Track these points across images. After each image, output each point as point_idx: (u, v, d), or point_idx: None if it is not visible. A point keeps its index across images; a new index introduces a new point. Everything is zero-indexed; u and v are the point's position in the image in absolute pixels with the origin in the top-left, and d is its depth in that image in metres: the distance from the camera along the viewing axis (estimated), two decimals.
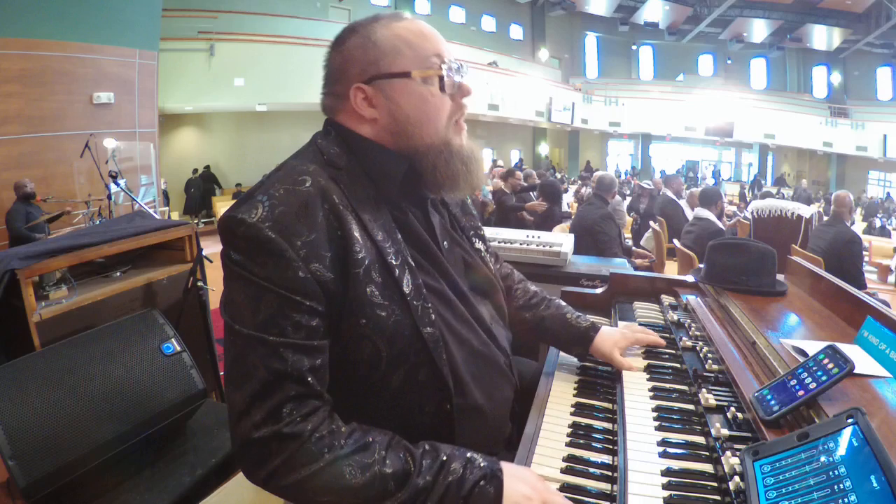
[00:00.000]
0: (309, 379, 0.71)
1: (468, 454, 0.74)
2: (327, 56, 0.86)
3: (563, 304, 1.16)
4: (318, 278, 0.71)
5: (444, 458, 0.72)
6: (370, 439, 0.72)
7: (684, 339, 1.11)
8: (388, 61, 0.80)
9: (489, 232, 2.48)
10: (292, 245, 0.70)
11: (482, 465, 0.73)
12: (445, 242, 0.91)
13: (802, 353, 0.90)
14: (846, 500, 0.53)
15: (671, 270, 4.47)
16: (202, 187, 10.64)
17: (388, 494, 0.68)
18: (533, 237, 2.38)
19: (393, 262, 0.77)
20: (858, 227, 7.38)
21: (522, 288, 1.17)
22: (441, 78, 0.82)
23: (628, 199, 7.67)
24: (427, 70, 0.81)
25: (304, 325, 0.71)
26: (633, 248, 4.71)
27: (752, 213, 4.90)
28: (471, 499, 0.69)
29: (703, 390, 0.89)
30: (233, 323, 0.71)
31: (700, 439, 0.82)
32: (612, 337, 1.08)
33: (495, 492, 0.70)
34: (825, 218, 4.36)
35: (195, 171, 10.76)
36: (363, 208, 0.78)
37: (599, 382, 1.07)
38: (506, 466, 0.74)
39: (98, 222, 4.55)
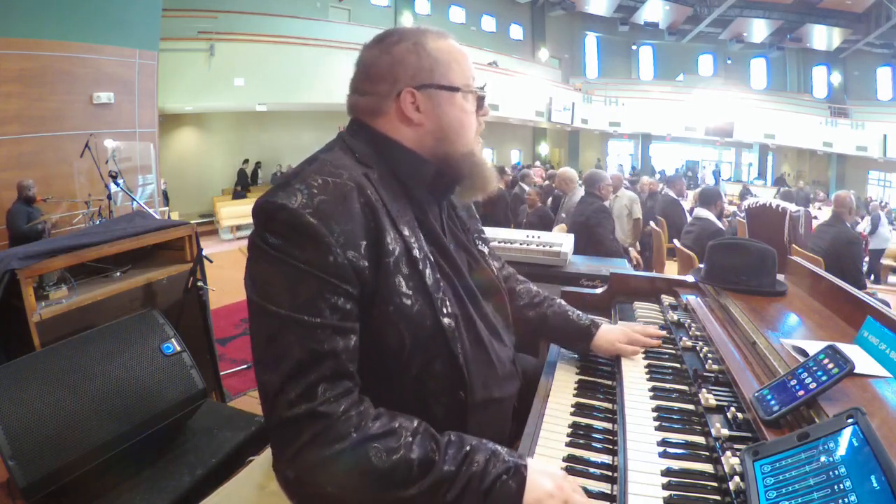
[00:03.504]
0: (343, 359, 0.73)
1: (493, 447, 0.75)
2: (368, 54, 0.89)
3: (564, 303, 1.20)
4: (354, 265, 0.75)
5: (468, 448, 0.73)
6: (397, 424, 0.73)
7: (684, 339, 1.11)
8: (442, 73, 0.87)
9: (488, 232, 2.49)
10: (332, 231, 0.73)
11: (506, 459, 0.74)
12: (452, 245, 0.95)
13: (802, 353, 0.90)
14: (846, 500, 0.53)
15: (671, 270, 4.46)
16: (248, 175, 11.72)
17: (412, 480, 0.69)
18: (533, 237, 2.38)
19: (417, 255, 0.83)
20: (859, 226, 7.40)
21: (525, 288, 1.22)
22: (481, 98, 0.92)
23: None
24: (470, 89, 0.90)
25: (340, 307, 0.74)
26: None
27: (745, 208, 5.17)
28: (492, 492, 0.70)
29: (703, 390, 0.89)
30: (267, 304, 0.73)
31: (700, 439, 0.82)
32: (613, 333, 1.14)
33: (517, 487, 0.71)
34: (807, 214, 4.54)
35: (245, 161, 11.68)
36: (392, 205, 0.83)
37: (599, 382, 1.07)
38: (531, 462, 0.75)
39: (98, 222, 4.55)
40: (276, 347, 0.72)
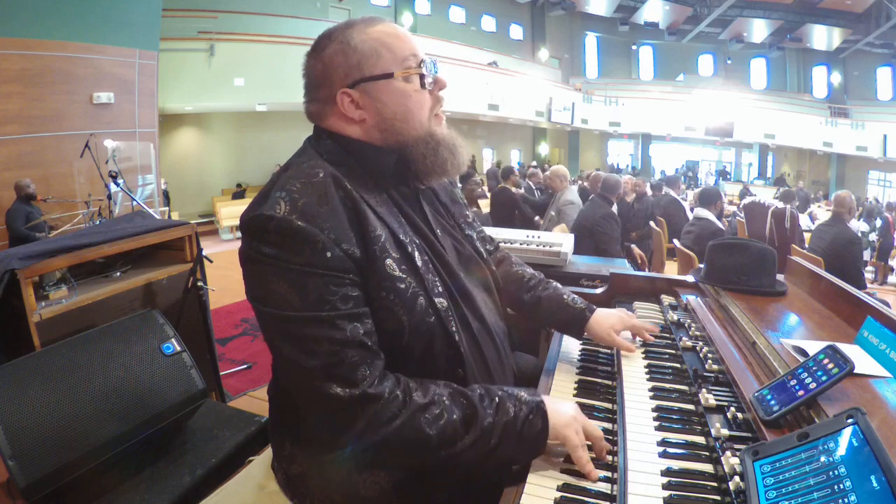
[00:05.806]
0: (367, 342, 0.77)
1: (514, 392, 0.83)
2: (306, 64, 0.90)
3: (560, 285, 1.19)
4: (350, 255, 0.77)
5: (498, 399, 0.81)
6: (432, 392, 0.79)
7: (684, 339, 1.11)
8: (370, 64, 0.85)
9: (488, 233, 2.49)
10: (322, 230, 0.75)
11: (528, 399, 0.82)
12: (438, 230, 0.96)
13: (802, 353, 0.90)
14: (846, 500, 0.53)
15: (671, 270, 4.46)
16: None
17: (459, 436, 0.77)
18: (533, 237, 2.38)
19: (404, 239, 0.85)
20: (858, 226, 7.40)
21: (520, 270, 1.21)
22: (421, 76, 0.88)
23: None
24: (407, 69, 0.87)
25: (351, 296, 0.77)
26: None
27: (742, 206, 5.32)
28: (524, 431, 0.78)
29: (703, 390, 0.89)
30: (281, 311, 0.76)
31: (700, 439, 0.82)
32: (609, 320, 1.12)
33: (542, 423, 0.79)
34: (792, 212, 4.66)
35: None
36: (368, 196, 0.84)
37: (599, 383, 1.07)
38: (546, 399, 0.83)
39: (98, 222, 4.55)
40: (304, 346, 0.75)
